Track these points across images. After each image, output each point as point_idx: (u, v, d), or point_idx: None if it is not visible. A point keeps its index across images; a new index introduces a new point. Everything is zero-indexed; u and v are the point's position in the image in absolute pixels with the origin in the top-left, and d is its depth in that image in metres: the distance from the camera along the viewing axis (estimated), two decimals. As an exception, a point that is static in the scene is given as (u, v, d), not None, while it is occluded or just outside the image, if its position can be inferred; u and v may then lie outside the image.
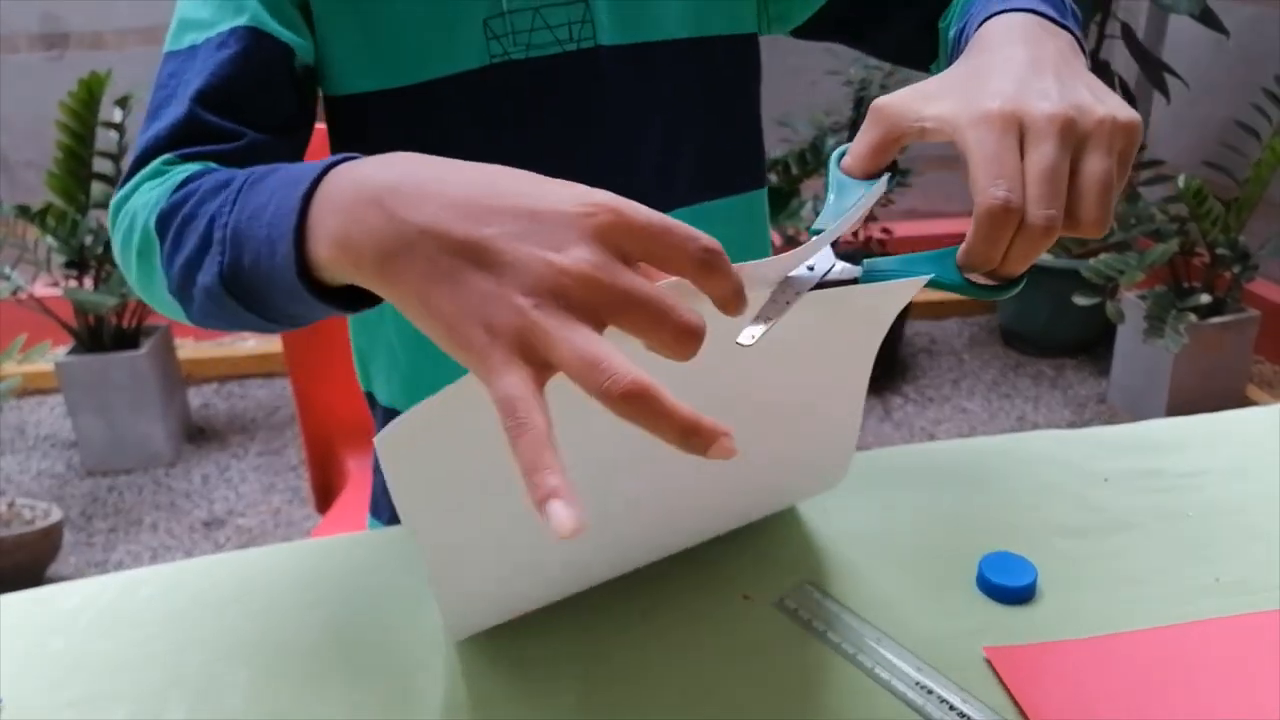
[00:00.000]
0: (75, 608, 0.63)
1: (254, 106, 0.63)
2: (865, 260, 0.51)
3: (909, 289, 0.50)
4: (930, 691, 0.54)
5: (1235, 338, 2.26)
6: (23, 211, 2.07)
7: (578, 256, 0.37)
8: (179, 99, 0.62)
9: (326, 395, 1.27)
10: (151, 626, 0.61)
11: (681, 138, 0.74)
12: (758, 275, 0.45)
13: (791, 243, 2.39)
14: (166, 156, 0.60)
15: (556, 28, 0.69)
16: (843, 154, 0.53)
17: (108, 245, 2.16)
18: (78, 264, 2.15)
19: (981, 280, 0.47)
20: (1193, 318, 2.11)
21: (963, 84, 0.50)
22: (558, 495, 0.33)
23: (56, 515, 1.94)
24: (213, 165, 0.59)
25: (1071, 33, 0.56)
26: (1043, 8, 0.57)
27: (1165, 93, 2.34)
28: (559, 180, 0.40)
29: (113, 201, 0.61)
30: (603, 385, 0.34)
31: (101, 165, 2.15)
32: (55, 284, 2.17)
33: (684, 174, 0.75)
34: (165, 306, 0.58)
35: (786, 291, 0.47)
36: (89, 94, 2.03)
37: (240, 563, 0.66)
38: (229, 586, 0.64)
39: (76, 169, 2.10)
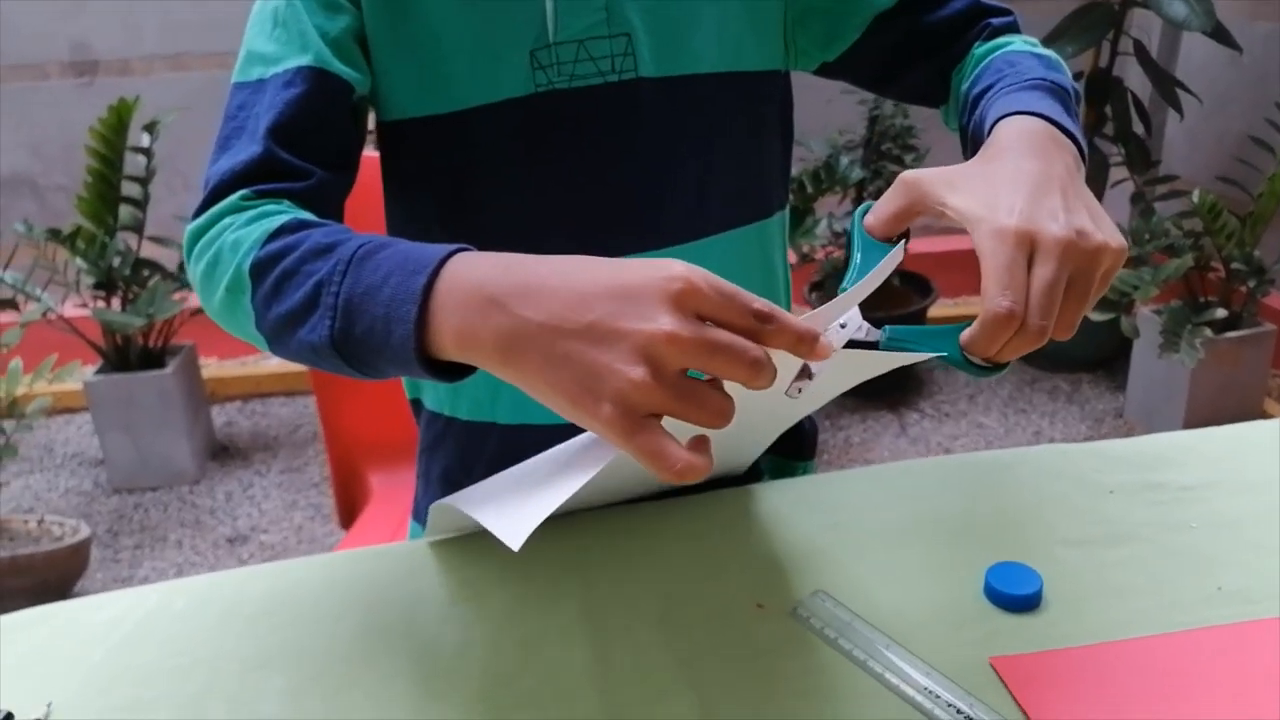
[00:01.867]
0: (113, 619, 0.65)
1: (319, 143, 0.67)
2: (887, 327, 0.57)
3: (916, 359, 0.56)
4: (938, 697, 0.56)
5: (1252, 352, 2.26)
6: (54, 234, 2.12)
7: (664, 323, 0.45)
8: (252, 134, 0.66)
9: (351, 413, 1.30)
10: (187, 637, 0.63)
11: (714, 168, 0.77)
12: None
13: (806, 260, 2.41)
14: (244, 192, 0.64)
15: (599, 59, 0.72)
16: (865, 211, 0.59)
17: (135, 267, 2.21)
18: (106, 285, 2.20)
19: (978, 361, 0.54)
20: (1208, 332, 2.12)
21: (983, 184, 0.56)
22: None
23: (85, 532, 1.98)
24: (298, 210, 0.63)
25: (1076, 141, 0.62)
26: (1054, 113, 0.62)
27: (1179, 108, 2.35)
28: (640, 260, 0.48)
29: (189, 228, 0.65)
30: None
31: (130, 189, 2.20)
32: (84, 305, 2.21)
33: (715, 203, 0.78)
34: (242, 333, 0.62)
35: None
36: (118, 120, 2.08)
37: (271, 575, 0.69)
38: (261, 598, 0.66)
39: (106, 193, 2.15)
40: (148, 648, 0.63)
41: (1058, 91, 0.67)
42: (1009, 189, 0.55)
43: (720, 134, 0.77)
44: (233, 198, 0.64)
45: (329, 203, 0.68)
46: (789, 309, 0.88)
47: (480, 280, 0.50)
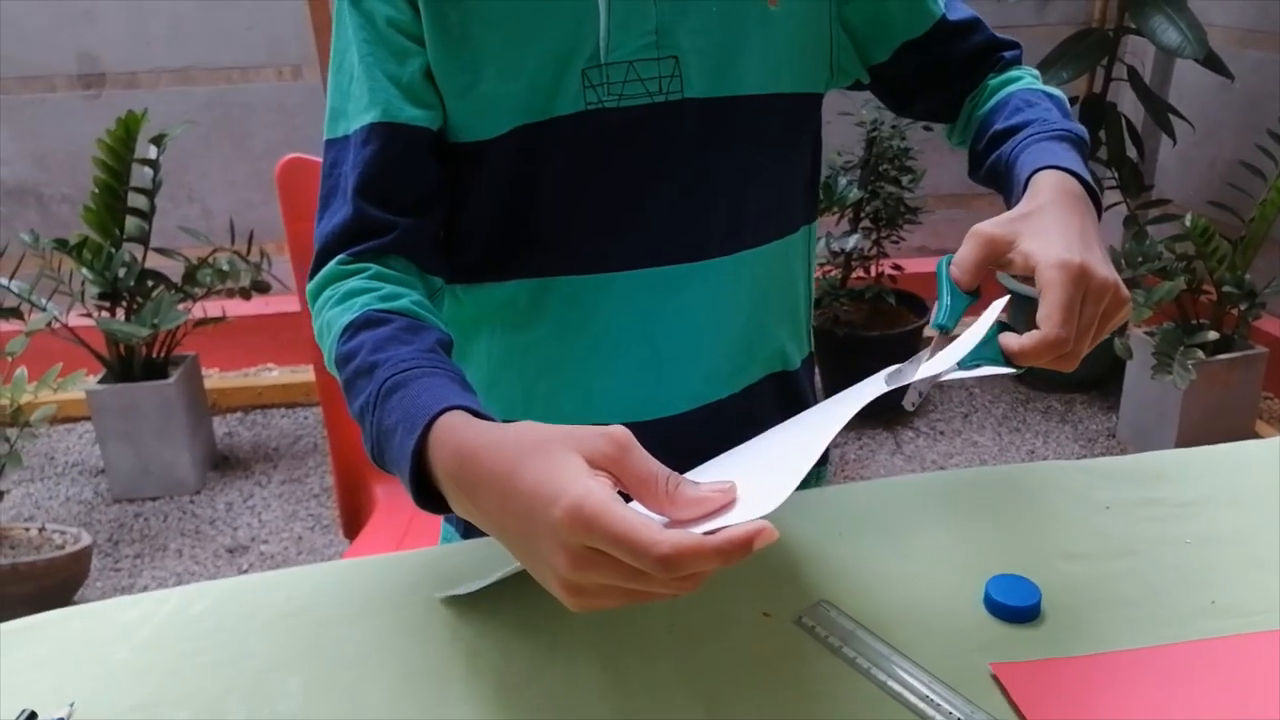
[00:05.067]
0: (135, 620, 0.67)
1: (401, 193, 0.74)
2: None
3: (981, 374, 0.66)
4: (939, 704, 0.58)
5: (1243, 374, 2.28)
6: (61, 245, 2.13)
7: (560, 564, 0.48)
8: (344, 193, 0.73)
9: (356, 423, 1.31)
10: (208, 638, 0.65)
11: (752, 185, 0.80)
12: (923, 363, 0.65)
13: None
14: (341, 257, 0.73)
15: (648, 80, 0.75)
16: (949, 261, 0.67)
17: (140, 277, 2.22)
18: (110, 295, 2.21)
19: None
20: (1200, 354, 2.14)
21: (1041, 228, 0.66)
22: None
23: (86, 540, 1.98)
24: (379, 282, 0.71)
25: (1094, 194, 0.72)
26: (1080, 169, 0.72)
27: (1171, 134, 2.39)
28: (554, 481, 0.48)
29: (309, 286, 0.75)
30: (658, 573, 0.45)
31: (136, 200, 2.22)
32: (88, 315, 2.23)
33: (752, 217, 0.81)
34: None
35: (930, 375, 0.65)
36: (126, 132, 2.10)
37: (290, 580, 0.70)
38: (280, 602, 0.68)
39: (112, 204, 2.17)
40: (169, 648, 0.64)
41: (1078, 143, 0.75)
42: (1062, 233, 0.65)
43: (759, 153, 0.80)
44: (332, 264, 0.73)
45: (414, 246, 0.75)
46: (810, 320, 0.92)
47: (448, 470, 0.55)
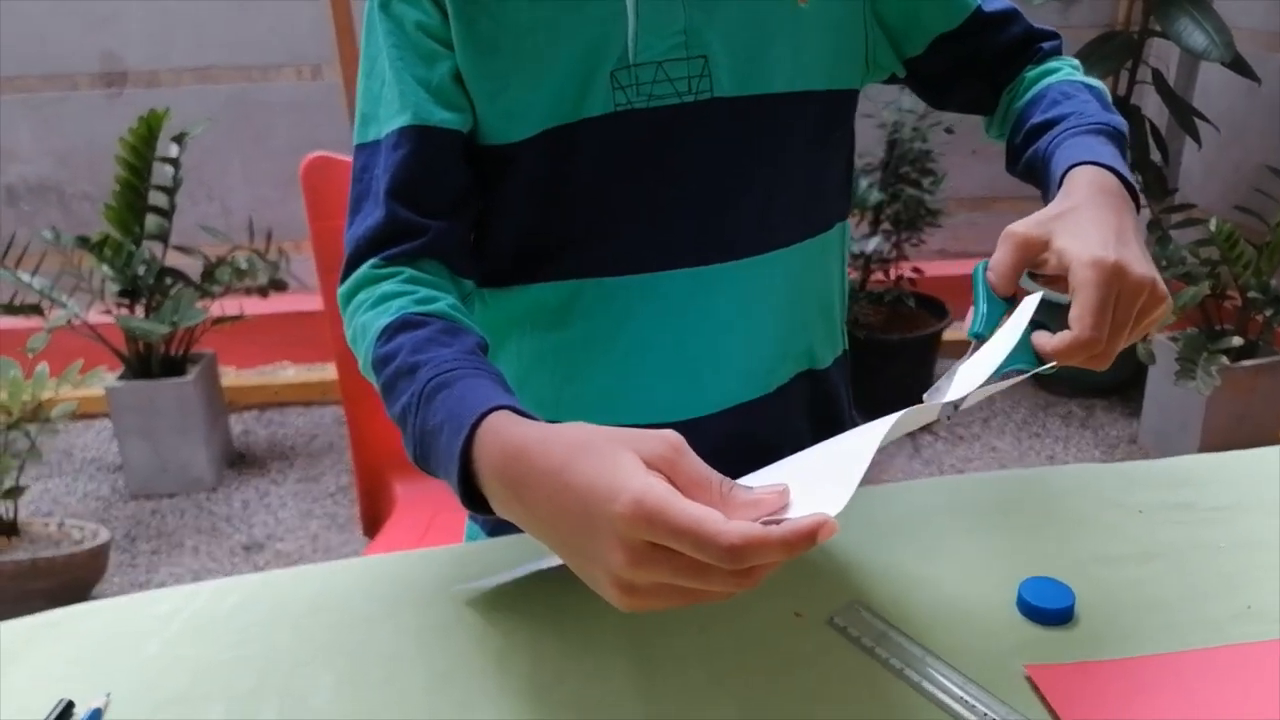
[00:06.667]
0: (167, 613, 0.67)
1: (433, 196, 0.74)
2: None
3: (1021, 379, 0.65)
4: (974, 705, 0.57)
5: (1267, 381, 2.26)
6: (82, 242, 2.15)
7: (616, 561, 0.47)
8: (375, 197, 0.73)
9: (379, 421, 1.31)
10: (239, 633, 0.65)
11: (783, 183, 0.80)
12: (959, 372, 0.64)
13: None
14: (374, 260, 0.72)
15: (676, 80, 0.74)
16: (984, 267, 0.67)
17: (159, 275, 2.23)
18: (130, 293, 2.22)
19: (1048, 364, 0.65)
20: (1224, 360, 2.13)
21: (1074, 227, 0.65)
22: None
23: (104, 536, 1.99)
24: (414, 285, 0.71)
25: (1133, 189, 0.71)
26: (1118, 164, 0.71)
27: (1196, 137, 2.37)
28: (612, 477, 0.48)
29: (339, 291, 0.74)
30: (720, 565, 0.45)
31: (156, 198, 2.23)
32: (108, 311, 2.24)
33: (784, 216, 0.81)
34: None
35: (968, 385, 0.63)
36: (149, 130, 2.11)
37: (321, 576, 0.70)
38: (311, 597, 0.68)
39: (133, 202, 2.18)
40: (201, 643, 0.64)
41: (1116, 136, 0.74)
42: (1098, 231, 0.63)
43: (790, 151, 0.80)
44: (365, 268, 0.72)
45: (446, 249, 0.74)
46: (845, 318, 0.91)
47: (495, 468, 0.55)
